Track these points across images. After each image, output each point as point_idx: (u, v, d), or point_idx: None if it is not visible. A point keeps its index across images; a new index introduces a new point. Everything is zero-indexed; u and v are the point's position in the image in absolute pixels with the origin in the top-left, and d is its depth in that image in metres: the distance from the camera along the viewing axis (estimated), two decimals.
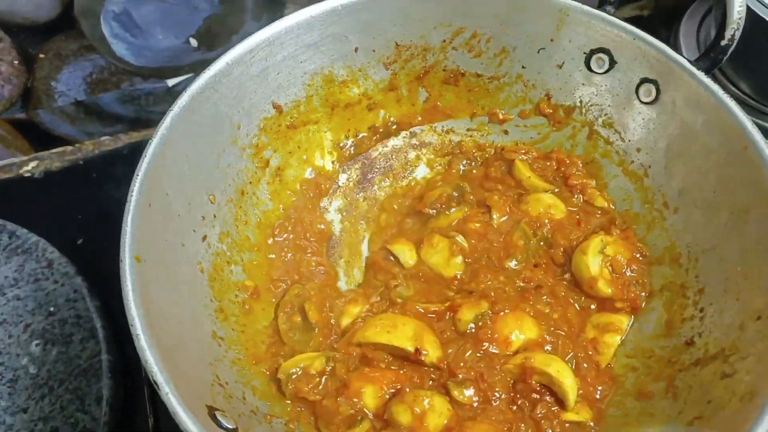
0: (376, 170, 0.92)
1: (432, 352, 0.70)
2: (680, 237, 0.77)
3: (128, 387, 0.81)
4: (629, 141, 0.83)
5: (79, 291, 0.86)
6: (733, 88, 1.06)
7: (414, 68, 0.89)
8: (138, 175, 0.62)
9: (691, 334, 0.69)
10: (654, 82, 0.79)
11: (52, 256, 0.89)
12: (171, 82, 1.15)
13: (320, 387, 0.68)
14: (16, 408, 0.78)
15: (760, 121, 0.98)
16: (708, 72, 0.74)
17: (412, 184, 0.92)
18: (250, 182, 0.80)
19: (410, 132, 0.93)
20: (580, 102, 0.86)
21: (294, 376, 0.69)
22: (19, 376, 0.80)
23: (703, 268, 0.73)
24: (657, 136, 0.80)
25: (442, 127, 0.94)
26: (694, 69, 0.74)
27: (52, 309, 0.85)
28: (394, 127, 0.92)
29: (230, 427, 0.55)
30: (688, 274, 0.74)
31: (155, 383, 0.52)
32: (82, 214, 0.97)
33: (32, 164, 1.00)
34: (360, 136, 0.91)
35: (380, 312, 0.76)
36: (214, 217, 0.74)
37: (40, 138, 1.08)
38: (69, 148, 1.02)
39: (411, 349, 0.69)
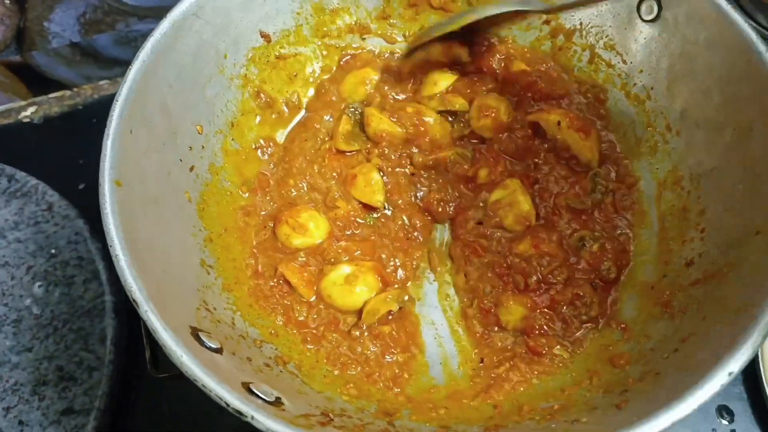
0: None
1: None
2: (682, 159, 0.74)
3: (132, 327, 0.81)
4: (631, 63, 0.80)
5: (81, 233, 0.86)
6: (752, 22, 1.02)
7: None
8: (117, 101, 0.61)
9: (691, 255, 0.67)
10: None
11: (52, 199, 0.89)
12: None
13: None
14: (21, 347, 0.79)
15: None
16: None
17: None
18: (241, 114, 0.79)
19: None
20: (581, 24, 0.83)
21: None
22: (23, 317, 0.81)
23: (705, 188, 0.70)
24: (659, 56, 0.76)
25: None
26: None
27: (53, 251, 0.86)
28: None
29: (214, 346, 0.55)
30: (690, 197, 0.72)
31: (134, 302, 0.51)
32: (83, 159, 0.96)
33: (31, 109, 1.00)
34: None
35: None
36: (203, 147, 0.73)
37: (37, 81, 1.07)
38: (67, 92, 1.01)
39: None
